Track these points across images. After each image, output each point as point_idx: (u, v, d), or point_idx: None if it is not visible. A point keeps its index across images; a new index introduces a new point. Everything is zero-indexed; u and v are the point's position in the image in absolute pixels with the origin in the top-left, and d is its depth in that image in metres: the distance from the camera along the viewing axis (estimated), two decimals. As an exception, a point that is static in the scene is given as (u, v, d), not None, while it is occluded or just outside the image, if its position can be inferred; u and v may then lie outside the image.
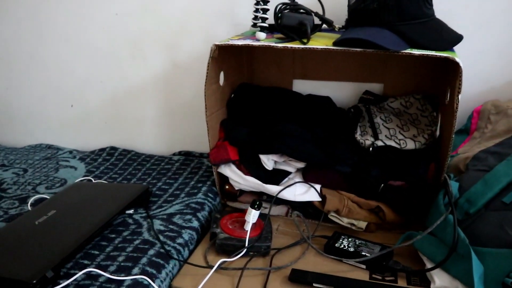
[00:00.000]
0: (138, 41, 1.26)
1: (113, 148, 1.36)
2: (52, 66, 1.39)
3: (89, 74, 1.35)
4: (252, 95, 1.10)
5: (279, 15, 0.91)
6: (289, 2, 0.93)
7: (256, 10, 0.98)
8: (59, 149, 1.42)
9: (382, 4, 0.84)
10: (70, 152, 1.40)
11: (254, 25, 1.02)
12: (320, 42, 0.89)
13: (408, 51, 0.81)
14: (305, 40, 0.87)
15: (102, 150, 1.36)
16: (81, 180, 1.16)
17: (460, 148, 1.01)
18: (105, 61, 1.32)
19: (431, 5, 0.87)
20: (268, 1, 0.93)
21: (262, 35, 0.92)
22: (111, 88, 1.34)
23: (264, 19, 0.94)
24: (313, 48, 0.84)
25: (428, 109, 1.02)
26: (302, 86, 1.14)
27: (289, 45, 0.86)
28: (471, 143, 1.01)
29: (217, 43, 0.91)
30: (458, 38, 0.86)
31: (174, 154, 1.33)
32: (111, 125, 1.40)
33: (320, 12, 0.95)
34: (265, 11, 0.93)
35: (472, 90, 1.06)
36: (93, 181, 1.16)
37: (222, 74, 1.02)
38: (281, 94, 1.11)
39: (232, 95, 1.10)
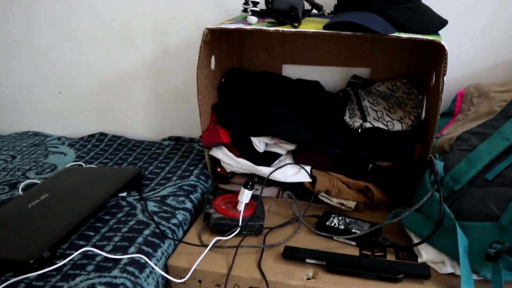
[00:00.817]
0: (127, 27, 1.26)
1: (103, 134, 1.36)
2: (39, 52, 1.37)
3: (77, 60, 1.35)
4: (242, 79, 1.11)
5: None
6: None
7: (247, -5, 1.00)
8: (47, 136, 1.42)
9: None
10: (59, 138, 1.39)
11: (245, 10, 1.03)
12: (311, 26, 0.91)
13: (396, 34, 0.83)
14: (296, 24, 0.88)
15: (91, 136, 1.36)
16: (72, 165, 1.16)
17: (445, 130, 1.04)
18: (94, 47, 1.31)
19: (417, -10, 0.90)
20: None
21: (253, 19, 0.93)
22: (100, 74, 1.34)
23: (255, 3, 0.95)
24: (304, 31, 0.86)
25: (414, 92, 1.05)
26: (292, 71, 1.16)
27: (280, 28, 0.88)
28: (455, 124, 1.04)
29: (209, 26, 0.92)
30: (443, 22, 0.89)
31: (164, 140, 1.34)
32: (100, 111, 1.40)
33: (310, -3, 0.97)
34: None
35: (456, 74, 1.10)
36: (84, 166, 1.16)
37: (213, 59, 1.03)
38: (271, 78, 1.12)
39: (223, 79, 1.11)
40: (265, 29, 0.89)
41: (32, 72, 1.41)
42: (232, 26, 0.91)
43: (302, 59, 1.14)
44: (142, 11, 1.23)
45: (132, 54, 1.29)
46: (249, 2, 0.98)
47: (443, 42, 0.81)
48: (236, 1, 1.14)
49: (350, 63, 1.12)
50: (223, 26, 0.92)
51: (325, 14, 0.97)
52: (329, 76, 1.15)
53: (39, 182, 1.06)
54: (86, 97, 1.39)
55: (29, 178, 1.09)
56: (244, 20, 1.01)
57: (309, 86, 1.11)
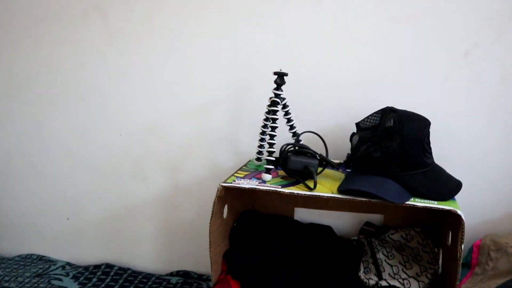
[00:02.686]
0: (140, 161, 1.28)
1: (109, 266, 1.33)
2: (51, 178, 1.39)
3: (88, 189, 1.35)
4: (254, 223, 1.10)
5: (285, 156, 0.94)
6: (294, 143, 0.97)
7: (261, 146, 1.02)
8: (51, 262, 1.38)
9: (385, 154, 0.88)
10: (63, 267, 1.36)
11: (258, 159, 1.05)
12: (324, 185, 0.92)
13: (411, 202, 0.83)
14: (311, 186, 0.89)
15: (97, 267, 1.33)
16: (75, 309, 1.12)
17: (463, 284, 1.01)
18: (105, 178, 1.33)
19: (431, 154, 0.91)
20: (275, 135, 0.96)
21: (268, 177, 0.94)
22: (110, 204, 1.34)
23: (271, 153, 0.96)
24: (319, 195, 0.86)
25: (429, 244, 1.03)
26: (303, 214, 1.15)
27: (295, 191, 0.88)
28: (473, 279, 1.01)
29: (223, 183, 0.93)
30: (457, 185, 0.89)
31: (171, 274, 1.30)
32: (108, 240, 1.38)
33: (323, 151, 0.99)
34: (271, 145, 0.96)
35: (471, 223, 1.08)
36: (88, 309, 1.11)
37: (226, 207, 1.03)
38: (282, 223, 1.11)
39: (235, 223, 1.10)
40: (279, 191, 0.89)
41: (42, 196, 1.41)
42: (246, 186, 0.92)
43: (314, 203, 1.13)
44: (155, 147, 1.25)
45: (143, 187, 1.29)
46: (264, 151, 0.99)
47: (459, 212, 0.81)
48: (250, 143, 1.17)
49: (363, 209, 1.11)
50: (237, 183, 0.93)
51: (339, 170, 0.98)
52: (341, 221, 1.14)
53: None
54: (94, 225, 1.38)
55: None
56: (257, 171, 1.02)
57: (321, 231, 1.10)
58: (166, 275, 1.30)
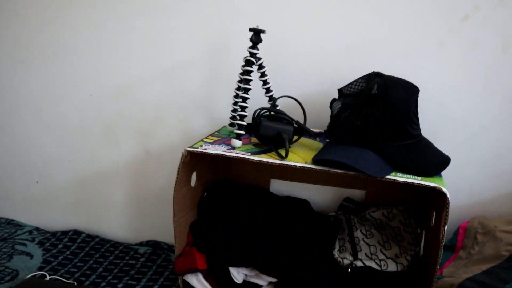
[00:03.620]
0: (111, 124, 1.20)
1: (76, 233, 1.26)
2: (20, 139, 1.31)
3: (58, 152, 1.28)
4: (225, 193, 1.03)
5: (257, 122, 0.86)
6: (269, 108, 0.88)
7: (234, 110, 0.94)
8: (18, 227, 1.32)
9: (367, 122, 0.79)
10: (30, 232, 1.30)
11: (232, 125, 0.97)
12: (299, 154, 0.84)
13: (392, 176, 0.75)
14: (283, 154, 0.81)
15: (65, 233, 1.27)
16: (33, 276, 1.05)
17: (445, 268, 0.94)
18: (76, 141, 1.25)
19: (418, 125, 0.83)
20: (248, 98, 0.88)
21: (237, 142, 0.86)
22: (80, 168, 1.27)
23: (242, 117, 0.88)
24: (291, 165, 0.79)
25: (412, 224, 0.95)
26: (280, 187, 1.08)
27: (265, 159, 0.80)
28: (457, 263, 0.94)
29: (188, 148, 0.85)
30: (445, 161, 0.81)
31: (141, 244, 1.24)
32: (77, 206, 1.31)
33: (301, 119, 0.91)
34: (243, 108, 0.88)
35: (458, 204, 1.01)
36: (47, 277, 1.05)
37: (194, 174, 0.96)
38: (257, 195, 1.04)
39: (205, 193, 1.03)
40: (248, 159, 0.81)
41: (11, 157, 1.34)
42: (213, 151, 0.84)
43: (291, 175, 1.06)
44: (127, 109, 1.17)
45: (114, 151, 1.22)
46: (236, 116, 0.92)
47: (444, 190, 0.73)
48: (225, 108, 1.08)
49: (344, 183, 1.03)
50: (204, 148, 0.85)
51: (317, 139, 0.90)
52: (320, 196, 1.06)
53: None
54: (64, 190, 1.31)
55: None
56: (229, 136, 0.94)
57: (298, 205, 1.02)
58: (136, 244, 1.24)
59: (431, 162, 0.79)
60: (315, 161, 0.79)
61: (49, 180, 1.32)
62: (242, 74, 0.88)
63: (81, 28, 1.15)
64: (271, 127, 0.83)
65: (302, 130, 0.87)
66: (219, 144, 0.89)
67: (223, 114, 1.09)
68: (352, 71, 0.97)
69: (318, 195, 1.06)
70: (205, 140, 0.91)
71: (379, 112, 0.78)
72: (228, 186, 1.05)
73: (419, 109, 0.84)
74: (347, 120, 0.82)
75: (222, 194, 1.02)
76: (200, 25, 1.05)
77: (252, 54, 0.87)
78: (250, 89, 0.87)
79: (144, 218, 1.25)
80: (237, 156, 0.82)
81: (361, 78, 0.86)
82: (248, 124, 0.90)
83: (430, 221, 0.88)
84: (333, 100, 0.88)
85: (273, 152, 0.84)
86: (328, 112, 0.94)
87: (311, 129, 0.96)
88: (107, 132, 1.20)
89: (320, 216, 1.01)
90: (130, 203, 1.25)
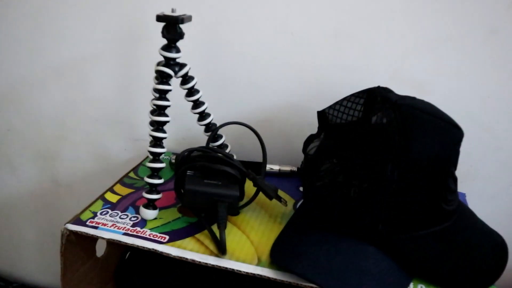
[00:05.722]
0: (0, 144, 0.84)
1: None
2: None
3: None
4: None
5: (180, 176, 0.51)
6: (201, 148, 0.53)
7: (153, 142, 0.58)
8: None
9: (369, 194, 0.44)
10: None
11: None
12: (250, 231, 0.50)
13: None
14: (221, 242, 0.47)
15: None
16: None
17: None
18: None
19: (455, 192, 0.47)
20: (164, 123, 0.52)
21: (148, 213, 0.52)
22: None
23: (155, 158, 0.53)
24: (233, 270, 0.45)
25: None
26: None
27: (188, 254, 0.47)
28: None
29: (70, 224, 0.51)
30: (500, 253, 0.47)
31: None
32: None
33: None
34: (156, 141, 0.52)
35: None
36: None
37: (97, 243, 0.62)
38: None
39: (127, 256, 0.70)
40: (160, 252, 0.47)
41: None
42: (105, 236, 0.50)
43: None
44: (17, 124, 0.81)
45: (12, 180, 0.87)
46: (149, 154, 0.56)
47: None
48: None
49: None
50: (91, 231, 0.51)
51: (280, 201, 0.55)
52: None
53: None
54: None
55: None
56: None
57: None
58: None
59: (478, 260, 0.45)
60: (274, 261, 0.45)
61: None
62: (155, 91, 0.52)
63: None
64: (201, 192, 0.49)
65: (258, 189, 0.52)
66: (126, 207, 0.55)
67: (147, 132, 0.73)
68: (346, 72, 0.61)
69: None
70: (107, 196, 0.57)
71: (392, 176, 0.43)
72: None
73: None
74: (333, 184, 0.47)
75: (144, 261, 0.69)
76: (108, 6, 0.67)
77: (168, 62, 0.50)
78: (165, 121, 0.51)
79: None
80: (142, 247, 0.48)
81: (357, 95, 0.50)
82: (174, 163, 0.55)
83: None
84: (310, 139, 0.53)
85: (208, 233, 0.50)
86: (298, 135, 0.60)
87: (275, 167, 0.62)
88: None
89: None
90: (44, 242, 0.93)
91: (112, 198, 0.57)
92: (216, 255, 0.47)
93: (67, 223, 0.52)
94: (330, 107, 0.52)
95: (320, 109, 0.53)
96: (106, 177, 0.78)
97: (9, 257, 0.98)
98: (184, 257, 0.47)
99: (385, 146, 0.42)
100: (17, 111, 0.79)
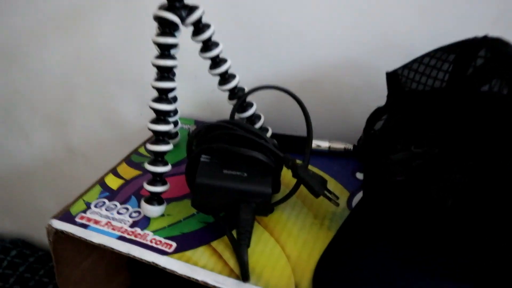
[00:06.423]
0: (6, 106, 0.74)
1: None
2: None
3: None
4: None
5: (192, 161, 0.38)
6: (224, 121, 0.39)
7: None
8: None
9: (469, 207, 0.29)
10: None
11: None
12: (287, 237, 0.37)
13: None
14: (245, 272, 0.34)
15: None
16: None
17: None
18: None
19: None
20: (169, 90, 0.40)
21: (152, 211, 0.39)
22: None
23: (160, 138, 0.39)
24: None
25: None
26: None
27: (200, 275, 0.34)
28: None
29: (55, 222, 0.40)
30: None
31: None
32: (7, 212, 0.93)
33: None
34: (160, 116, 0.41)
35: None
36: None
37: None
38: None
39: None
40: (168, 270, 0.35)
41: None
42: (95, 240, 0.38)
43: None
44: (22, 84, 0.70)
45: (25, 146, 0.78)
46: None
47: None
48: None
49: None
50: (79, 233, 0.39)
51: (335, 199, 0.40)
52: None
53: None
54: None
55: None
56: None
57: None
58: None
59: None
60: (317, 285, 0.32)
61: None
62: (158, 45, 0.37)
63: None
64: (217, 188, 0.35)
65: (298, 180, 0.38)
66: (128, 197, 0.43)
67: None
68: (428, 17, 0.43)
69: None
70: (107, 181, 0.45)
71: None
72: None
73: None
74: (413, 182, 0.31)
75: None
76: None
77: (173, 3, 0.36)
78: (171, 67, 0.37)
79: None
80: (142, 259, 0.36)
81: (445, 49, 0.34)
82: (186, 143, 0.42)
83: None
84: (376, 114, 0.37)
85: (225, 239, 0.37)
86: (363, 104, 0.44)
87: (324, 143, 0.47)
88: (6, 117, 0.76)
89: None
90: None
91: (113, 183, 0.45)
92: (237, 277, 0.33)
93: (53, 217, 0.41)
94: (404, 66, 0.36)
95: (390, 69, 0.37)
96: (122, 146, 0.66)
97: (34, 225, 0.92)
98: (193, 278, 0.34)
99: (506, 133, 0.26)
100: (18, 69, 0.68)
